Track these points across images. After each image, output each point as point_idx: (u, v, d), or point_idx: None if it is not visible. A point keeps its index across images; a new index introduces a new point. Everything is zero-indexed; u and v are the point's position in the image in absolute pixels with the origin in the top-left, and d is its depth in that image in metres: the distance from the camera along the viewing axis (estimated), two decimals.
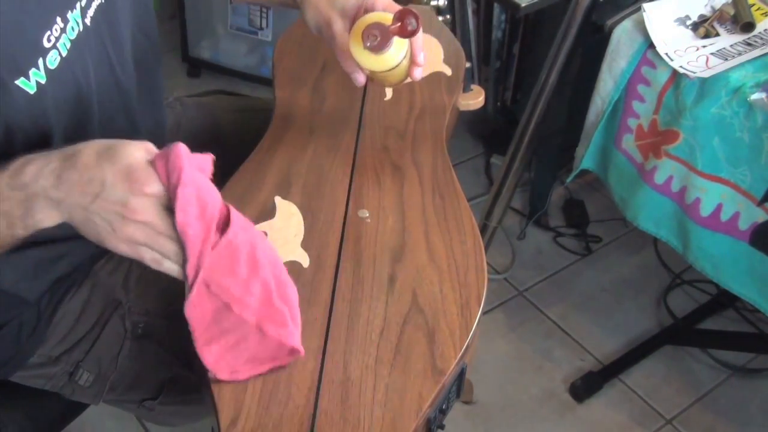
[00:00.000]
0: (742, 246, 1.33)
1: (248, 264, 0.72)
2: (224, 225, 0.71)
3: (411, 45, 0.95)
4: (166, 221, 0.69)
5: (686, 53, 1.33)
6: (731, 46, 1.34)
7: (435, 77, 1.17)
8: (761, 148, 1.24)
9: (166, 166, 0.68)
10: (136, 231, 0.70)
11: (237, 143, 1.23)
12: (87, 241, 0.97)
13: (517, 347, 1.84)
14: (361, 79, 0.96)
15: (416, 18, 0.90)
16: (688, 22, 1.38)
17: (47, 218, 0.73)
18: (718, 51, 1.33)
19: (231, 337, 0.74)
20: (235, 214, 0.73)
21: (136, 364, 1.06)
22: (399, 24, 0.89)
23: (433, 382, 0.77)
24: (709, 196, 1.34)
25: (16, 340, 0.99)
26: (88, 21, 0.86)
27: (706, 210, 1.35)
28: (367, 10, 0.94)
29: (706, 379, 1.79)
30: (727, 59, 1.30)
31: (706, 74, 1.28)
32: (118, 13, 0.93)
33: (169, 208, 0.68)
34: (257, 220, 0.94)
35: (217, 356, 0.75)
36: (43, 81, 0.80)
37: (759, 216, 1.29)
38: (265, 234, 0.92)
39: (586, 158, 1.55)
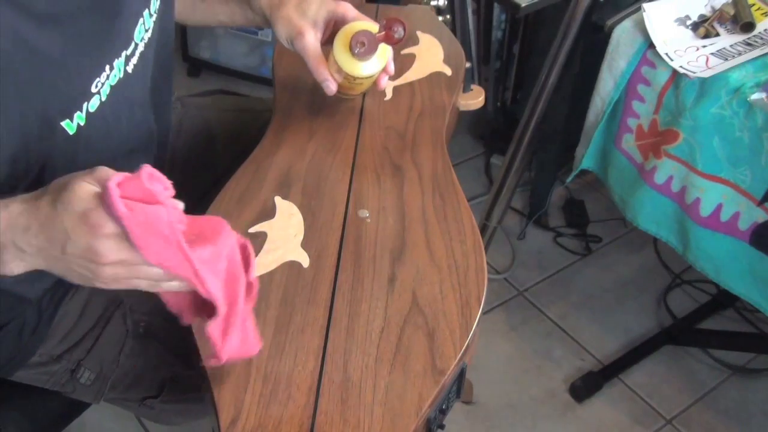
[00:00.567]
0: (742, 246, 1.33)
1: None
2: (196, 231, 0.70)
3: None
4: (137, 252, 0.67)
5: (686, 53, 1.33)
6: (731, 46, 1.34)
7: (435, 77, 1.17)
8: (761, 148, 1.24)
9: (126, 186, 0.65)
10: (115, 270, 0.68)
11: (237, 143, 1.23)
12: None
13: (517, 347, 1.84)
14: (332, 87, 1.01)
15: (403, 26, 0.92)
16: (688, 22, 1.38)
17: (17, 267, 0.72)
18: (718, 51, 1.33)
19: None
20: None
21: (137, 362, 1.06)
22: (385, 32, 0.92)
23: (433, 382, 0.77)
24: (709, 196, 1.34)
25: (17, 338, 0.99)
26: (129, 68, 0.88)
27: (706, 210, 1.35)
28: (337, 22, 0.99)
29: (706, 379, 1.79)
30: (727, 59, 1.30)
31: (706, 74, 1.28)
32: (149, 56, 0.94)
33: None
34: (257, 220, 0.94)
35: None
36: (83, 123, 0.82)
37: (759, 216, 1.29)
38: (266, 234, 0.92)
39: (586, 158, 1.55)
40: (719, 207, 1.33)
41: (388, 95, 1.13)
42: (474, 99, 1.24)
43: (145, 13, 0.89)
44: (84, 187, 0.66)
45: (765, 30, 1.36)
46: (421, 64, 1.19)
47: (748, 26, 1.35)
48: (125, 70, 0.88)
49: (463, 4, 1.78)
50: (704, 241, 1.38)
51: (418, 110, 1.11)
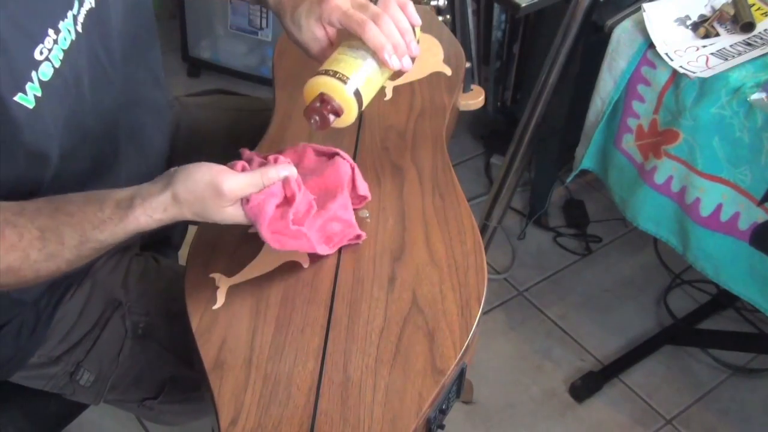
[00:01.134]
0: (742, 246, 1.33)
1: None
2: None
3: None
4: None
5: (686, 53, 1.33)
6: (731, 46, 1.34)
7: (435, 77, 1.17)
8: (761, 148, 1.24)
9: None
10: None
11: (236, 143, 1.22)
12: None
13: (517, 347, 1.84)
14: None
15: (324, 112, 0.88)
16: (688, 22, 1.38)
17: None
18: (718, 51, 1.33)
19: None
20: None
21: (136, 363, 1.06)
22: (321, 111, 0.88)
23: (433, 382, 0.77)
24: (709, 196, 1.34)
25: (15, 340, 0.99)
26: (79, 28, 0.86)
27: (706, 210, 1.35)
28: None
29: (706, 379, 1.79)
30: (727, 59, 1.30)
31: (706, 74, 1.28)
32: (110, 10, 0.92)
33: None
34: None
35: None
36: (39, 94, 0.80)
37: (759, 216, 1.29)
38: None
39: (586, 158, 1.55)
40: (719, 207, 1.33)
41: (388, 95, 1.13)
42: (474, 99, 1.24)
43: None
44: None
45: (765, 30, 1.36)
46: (421, 64, 1.19)
47: (748, 26, 1.35)
48: (77, 31, 0.85)
49: (463, 4, 1.78)
50: (704, 241, 1.38)
51: (418, 110, 1.11)
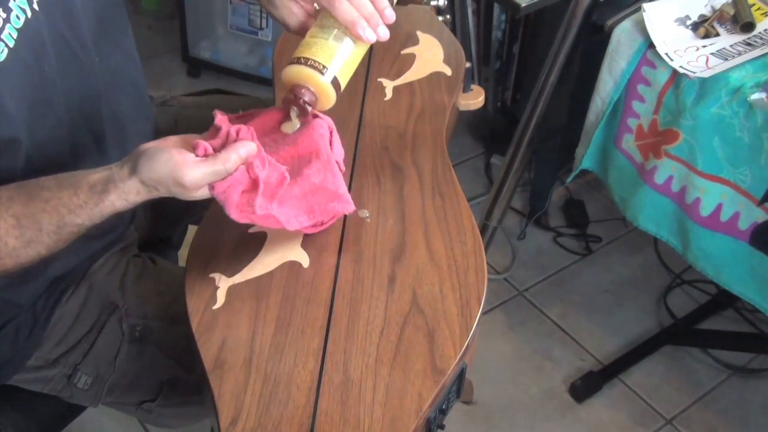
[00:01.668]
0: (742, 246, 1.33)
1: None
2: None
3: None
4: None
5: (686, 53, 1.33)
6: (731, 46, 1.34)
7: (435, 77, 1.17)
8: (761, 148, 1.24)
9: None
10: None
11: None
12: (80, 243, 0.97)
13: (517, 347, 1.84)
14: None
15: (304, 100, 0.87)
16: (688, 22, 1.38)
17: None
18: (718, 51, 1.33)
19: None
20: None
21: (134, 366, 1.06)
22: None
23: (433, 382, 0.77)
24: (709, 196, 1.34)
25: (13, 343, 0.99)
26: (36, 6, 0.85)
27: (706, 210, 1.35)
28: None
29: (706, 379, 1.79)
30: (727, 59, 1.30)
31: (706, 74, 1.28)
32: None
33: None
34: None
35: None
36: (2, 59, 0.80)
37: (759, 216, 1.29)
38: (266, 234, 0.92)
39: (586, 158, 1.55)
40: (719, 207, 1.33)
41: (388, 95, 1.13)
42: (474, 99, 1.24)
43: None
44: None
45: (765, 30, 1.36)
46: (421, 64, 1.19)
47: (748, 26, 1.35)
48: (32, 9, 0.84)
49: (463, 4, 1.78)
50: (704, 241, 1.38)
51: (418, 110, 1.11)
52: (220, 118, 0.85)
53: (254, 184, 0.82)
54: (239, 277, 0.87)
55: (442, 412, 0.82)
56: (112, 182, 0.80)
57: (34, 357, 1.02)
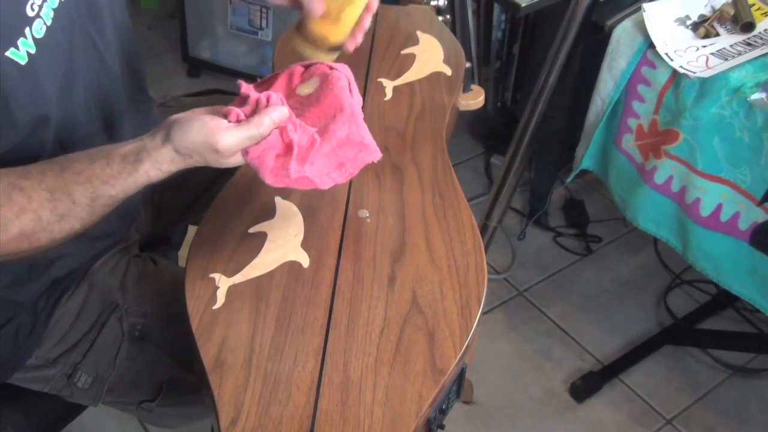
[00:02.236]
0: (742, 246, 1.33)
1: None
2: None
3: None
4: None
5: (686, 53, 1.33)
6: (731, 46, 1.34)
7: (435, 77, 1.17)
8: (761, 148, 1.24)
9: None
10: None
11: None
12: (83, 243, 0.97)
13: (517, 347, 1.84)
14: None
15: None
16: (688, 22, 1.38)
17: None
18: (718, 51, 1.33)
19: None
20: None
21: (134, 365, 1.06)
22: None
23: (433, 382, 0.77)
24: (709, 196, 1.34)
25: (13, 341, 0.99)
26: None
27: (706, 210, 1.35)
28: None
29: (706, 379, 1.79)
30: (727, 59, 1.30)
31: (706, 74, 1.28)
32: None
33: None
34: (257, 220, 0.94)
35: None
36: (33, 51, 0.80)
37: (759, 216, 1.29)
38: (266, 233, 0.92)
39: (586, 158, 1.55)
40: (719, 207, 1.33)
41: (388, 95, 1.13)
42: (474, 99, 1.24)
43: None
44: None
45: (765, 30, 1.36)
46: (421, 64, 1.19)
47: (748, 26, 1.35)
48: None
49: (463, 4, 1.78)
50: (704, 241, 1.38)
51: (418, 110, 1.11)
52: (246, 87, 0.86)
53: (288, 148, 0.82)
54: (239, 277, 0.87)
55: (442, 412, 0.82)
56: (145, 151, 0.80)
57: (34, 356, 1.02)
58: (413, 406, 0.75)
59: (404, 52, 1.22)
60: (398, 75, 1.17)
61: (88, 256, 1.04)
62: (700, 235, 1.38)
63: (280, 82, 0.90)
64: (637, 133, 1.44)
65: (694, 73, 1.29)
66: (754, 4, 1.38)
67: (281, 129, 0.82)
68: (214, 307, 0.84)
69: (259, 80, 0.91)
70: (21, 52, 0.79)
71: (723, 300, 1.90)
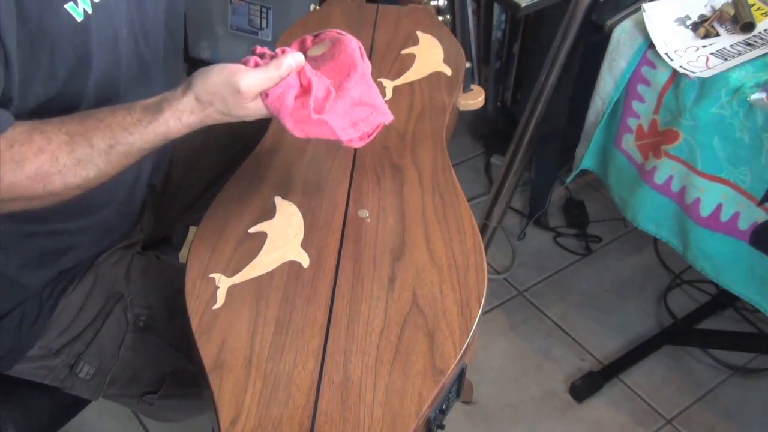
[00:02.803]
0: (742, 246, 1.33)
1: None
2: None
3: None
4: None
5: (686, 53, 1.33)
6: (731, 46, 1.34)
7: (435, 77, 1.17)
8: (761, 148, 1.24)
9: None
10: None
11: (236, 142, 1.23)
12: (94, 235, 0.98)
13: (517, 347, 1.84)
14: None
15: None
16: (688, 22, 1.38)
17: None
18: (718, 51, 1.33)
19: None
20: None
21: (137, 356, 1.06)
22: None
23: (433, 382, 0.77)
24: (709, 196, 1.34)
25: (17, 330, 1.00)
26: None
27: (706, 210, 1.35)
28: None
29: (706, 379, 1.79)
30: (727, 59, 1.30)
31: (706, 74, 1.28)
32: None
33: None
34: (257, 220, 0.94)
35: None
36: (90, 11, 0.83)
37: (759, 216, 1.29)
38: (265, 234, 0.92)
39: (586, 158, 1.55)
40: (719, 207, 1.33)
41: (388, 95, 1.13)
42: (474, 99, 1.24)
43: None
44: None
45: (765, 30, 1.36)
46: (421, 64, 1.19)
47: (748, 26, 1.35)
48: None
49: (463, 4, 1.78)
50: (704, 241, 1.38)
51: (418, 110, 1.11)
52: (261, 49, 0.88)
53: (306, 90, 0.84)
54: (239, 277, 0.87)
55: (442, 412, 0.82)
56: (166, 101, 0.83)
57: (37, 346, 1.02)
58: (413, 406, 0.75)
59: (404, 52, 1.22)
60: (398, 75, 1.17)
61: (94, 251, 1.05)
62: (700, 235, 1.38)
63: (293, 48, 0.92)
64: (637, 133, 1.44)
65: (694, 73, 1.29)
66: (754, 4, 1.38)
67: (299, 71, 0.84)
68: (214, 307, 0.84)
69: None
70: (79, 8, 0.82)
71: (723, 300, 1.90)
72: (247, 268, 0.88)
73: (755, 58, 1.30)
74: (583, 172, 1.61)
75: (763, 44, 1.33)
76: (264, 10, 2.38)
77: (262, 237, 0.92)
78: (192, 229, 1.35)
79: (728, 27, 1.37)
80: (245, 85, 0.81)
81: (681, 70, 1.30)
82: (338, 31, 0.93)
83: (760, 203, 1.28)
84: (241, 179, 0.99)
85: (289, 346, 0.80)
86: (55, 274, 1.01)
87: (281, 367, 0.78)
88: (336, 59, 0.89)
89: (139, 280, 1.07)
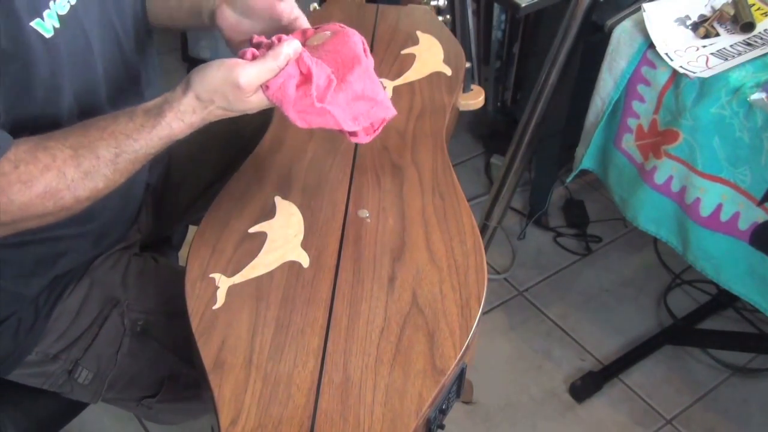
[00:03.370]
0: (742, 246, 1.33)
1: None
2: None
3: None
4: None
5: (686, 53, 1.33)
6: (731, 46, 1.34)
7: (435, 77, 1.17)
8: (761, 148, 1.24)
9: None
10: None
11: (236, 142, 1.23)
12: (88, 240, 0.97)
13: (517, 347, 1.84)
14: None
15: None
16: (688, 22, 1.38)
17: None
18: (718, 51, 1.33)
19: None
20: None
21: (135, 361, 1.06)
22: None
23: (433, 382, 0.77)
24: (709, 196, 1.34)
25: (14, 336, 0.99)
26: None
27: (706, 210, 1.35)
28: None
29: (706, 379, 1.79)
30: (727, 59, 1.30)
31: (706, 74, 1.28)
32: None
33: None
34: (257, 220, 0.94)
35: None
36: (57, 25, 0.82)
37: (759, 216, 1.29)
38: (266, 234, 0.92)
39: (586, 158, 1.55)
40: (719, 207, 1.33)
41: (388, 95, 1.13)
42: (474, 99, 1.24)
43: None
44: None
45: (765, 30, 1.36)
46: (421, 64, 1.19)
47: (748, 26, 1.35)
48: None
49: (463, 4, 1.78)
50: (704, 241, 1.38)
51: (418, 110, 1.11)
52: (258, 37, 0.88)
53: (306, 78, 0.83)
54: (239, 277, 0.87)
55: (442, 412, 0.82)
56: (167, 103, 0.82)
57: (35, 352, 1.02)
58: (413, 406, 0.75)
59: (404, 52, 1.22)
60: (398, 75, 1.17)
61: (91, 255, 1.04)
62: (700, 235, 1.38)
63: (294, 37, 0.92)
64: (637, 133, 1.44)
65: (694, 73, 1.29)
66: (754, 4, 1.38)
67: (298, 59, 0.83)
68: (214, 307, 0.84)
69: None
70: (47, 24, 0.81)
71: (723, 300, 1.90)
72: (247, 268, 0.88)
73: (755, 58, 1.30)
74: (583, 172, 1.61)
75: (763, 44, 1.33)
76: None
77: (262, 237, 0.92)
78: (192, 229, 1.35)
79: (728, 27, 1.37)
80: (245, 80, 0.80)
81: (681, 70, 1.30)
82: (340, 24, 0.92)
83: (760, 203, 1.28)
84: (241, 179, 0.99)
85: (289, 346, 0.80)
86: (50, 280, 1.01)
87: (281, 367, 0.78)
88: (339, 51, 0.89)
89: (136, 284, 1.06)
